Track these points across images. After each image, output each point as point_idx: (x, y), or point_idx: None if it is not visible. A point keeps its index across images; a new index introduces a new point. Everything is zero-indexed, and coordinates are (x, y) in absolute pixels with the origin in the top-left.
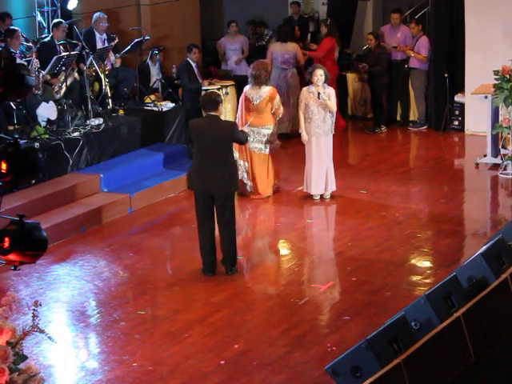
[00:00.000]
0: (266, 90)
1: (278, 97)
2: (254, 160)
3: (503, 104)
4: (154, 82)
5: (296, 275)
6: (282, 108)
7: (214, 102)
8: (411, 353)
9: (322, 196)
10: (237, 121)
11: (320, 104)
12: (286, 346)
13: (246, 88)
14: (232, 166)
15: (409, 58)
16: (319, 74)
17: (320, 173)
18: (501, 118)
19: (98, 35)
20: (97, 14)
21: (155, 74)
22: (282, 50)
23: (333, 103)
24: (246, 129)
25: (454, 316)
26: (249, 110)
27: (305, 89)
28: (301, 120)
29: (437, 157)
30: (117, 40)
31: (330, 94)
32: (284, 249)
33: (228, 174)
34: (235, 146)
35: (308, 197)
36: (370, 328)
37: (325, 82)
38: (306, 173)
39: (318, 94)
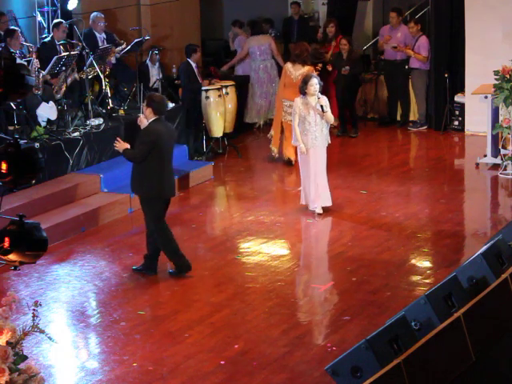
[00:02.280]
0: (306, 68)
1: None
2: (285, 129)
3: (503, 104)
4: (154, 82)
5: (296, 275)
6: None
7: (167, 106)
8: (411, 353)
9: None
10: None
11: (318, 115)
12: (286, 346)
13: (288, 65)
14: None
15: (409, 58)
16: (315, 83)
17: (319, 186)
18: (501, 118)
19: (97, 35)
20: (94, 14)
21: (155, 74)
22: (257, 43)
23: (330, 113)
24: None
25: (454, 316)
26: (287, 86)
27: (298, 100)
28: (296, 132)
29: (437, 157)
30: (124, 45)
31: (326, 105)
32: (284, 249)
33: (174, 175)
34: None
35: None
36: (370, 328)
37: (319, 90)
38: (304, 187)
39: (322, 106)
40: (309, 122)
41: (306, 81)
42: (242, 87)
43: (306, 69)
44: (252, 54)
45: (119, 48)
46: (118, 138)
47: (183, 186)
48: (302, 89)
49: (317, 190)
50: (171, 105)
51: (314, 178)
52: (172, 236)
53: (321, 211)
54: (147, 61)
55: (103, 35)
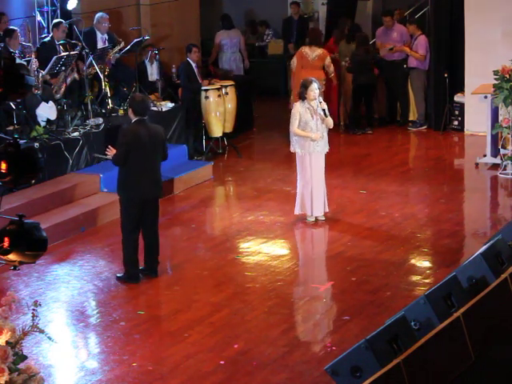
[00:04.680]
0: (320, 50)
1: (328, 57)
2: None
3: (503, 104)
4: (153, 82)
5: (296, 275)
6: (332, 66)
7: (149, 107)
8: (411, 353)
9: (316, 218)
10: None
11: (319, 119)
12: (286, 346)
13: (305, 49)
14: (160, 169)
15: (407, 58)
16: (315, 89)
17: (319, 193)
18: (501, 118)
19: (99, 35)
20: (99, 14)
21: (154, 73)
22: (228, 37)
23: (330, 117)
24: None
25: (454, 316)
26: (305, 67)
27: (298, 105)
28: (298, 132)
29: (437, 157)
30: (123, 44)
31: (326, 109)
32: (284, 249)
33: (160, 177)
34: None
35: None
36: (370, 328)
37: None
38: (301, 193)
39: (324, 110)
40: (310, 128)
41: (305, 85)
42: (242, 87)
43: (321, 50)
44: (223, 46)
45: (118, 47)
46: (109, 146)
47: (183, 185)
48: (302, 94)
49: (317, 196)
50: (171, 105)
51: (317, 185)
52: (136, 244)
53: (313, 219)
54: (146, 60)
55: (105, 36)
